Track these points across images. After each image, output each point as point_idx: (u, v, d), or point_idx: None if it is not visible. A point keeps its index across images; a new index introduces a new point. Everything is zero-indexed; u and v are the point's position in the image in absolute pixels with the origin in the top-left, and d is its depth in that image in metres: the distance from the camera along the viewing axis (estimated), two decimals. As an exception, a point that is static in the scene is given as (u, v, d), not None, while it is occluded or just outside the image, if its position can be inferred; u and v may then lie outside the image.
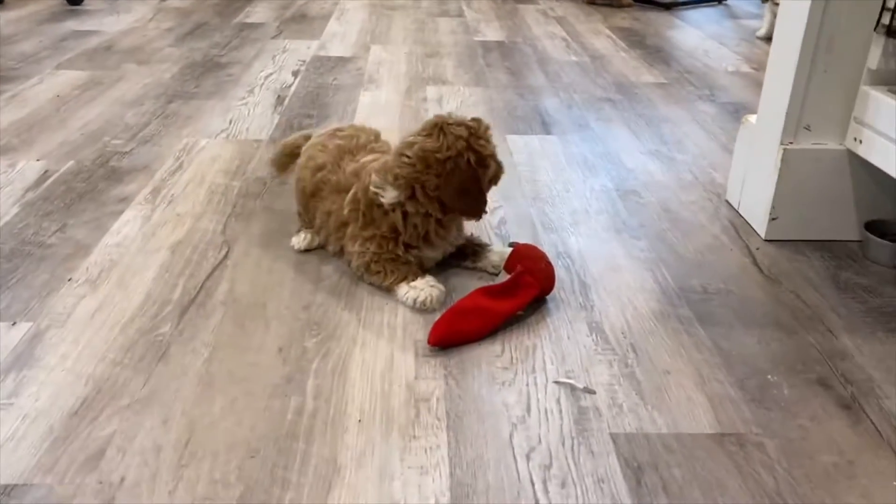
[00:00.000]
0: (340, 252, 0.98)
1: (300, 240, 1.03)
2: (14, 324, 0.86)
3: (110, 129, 1.46)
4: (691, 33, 2.44)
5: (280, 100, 1.66)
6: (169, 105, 1.61)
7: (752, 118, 1.14)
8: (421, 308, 0.89)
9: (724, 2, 3.02)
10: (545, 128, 1.54)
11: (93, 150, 1.36)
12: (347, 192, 0.95)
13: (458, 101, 1.70)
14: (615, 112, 1.64)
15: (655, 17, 2.65)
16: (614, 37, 2.36)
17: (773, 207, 1.06)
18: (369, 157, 0.99)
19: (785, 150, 1.03)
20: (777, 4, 2.31)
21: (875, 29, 0.96)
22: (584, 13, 2.70)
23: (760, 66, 2.04)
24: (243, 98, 1.67)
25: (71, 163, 1.30)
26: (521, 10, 2.73)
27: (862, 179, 1.04)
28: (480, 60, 2.03)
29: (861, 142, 0.99)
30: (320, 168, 1.00)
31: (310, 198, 1.01)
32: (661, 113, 1.64)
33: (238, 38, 2.20)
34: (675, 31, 2.45)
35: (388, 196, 0.91)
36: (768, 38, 2.32)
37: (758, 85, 1.83)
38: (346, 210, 0.95)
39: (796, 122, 1.03)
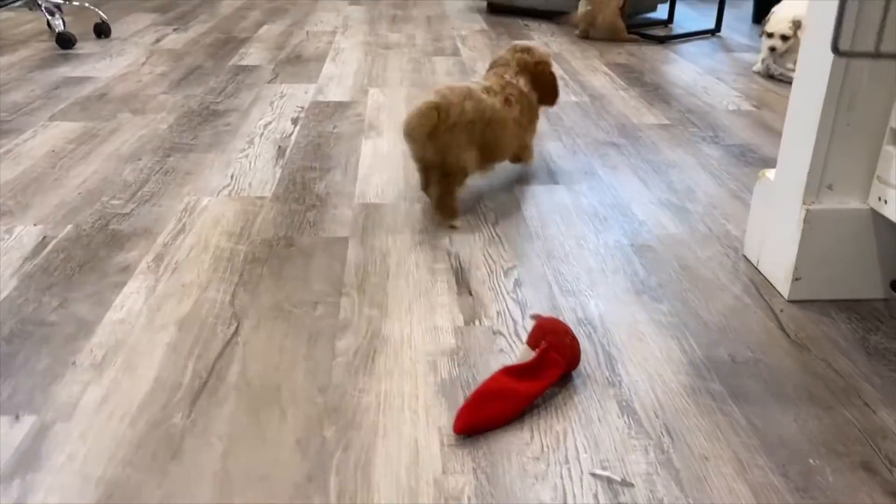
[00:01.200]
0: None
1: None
2: (18, 418, 0.82)
3: (108, 188, 1.42)
4: (688, 68, 2.43)
5: (281, 151, 1.63)
6: (167, 159, 1.57)
7: (770, 174, 1.12)
8: None
9: (717, 33, 3.03)
10: (552, 177, 1.51)
11: (91, 211, 1.32)
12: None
13: (461, 148, 1.68)
14: (621, 158, 1.62)
15: (651, 53, 2.65)
16: (612, 73, 2.35)
17: (796, 269, 1.03)
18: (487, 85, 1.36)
19: (808, 210, 1.01)
20: (770, 37, 2.32)
21: (897, 89, 0.94)
22: (579, 49, 2.70)
23: (760, 104, 2.04)
24: (243, 150, 1.64)
25: (69, 227, 1.26)
26: (516, 47, 2.72)
27: (886, 238, 1.02)
28: (480, 103, 2.02)
29: (886, 202, 0.97)
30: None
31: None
32: (667, 158, 1.62)
33: (234, 82, 2.17)
34: (671, 67, 2.45)
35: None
36: (767, 76, 2.33)
37: (760, 124, 1.83)
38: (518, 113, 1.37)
39: (819, 182, 1.00)
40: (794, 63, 2.21)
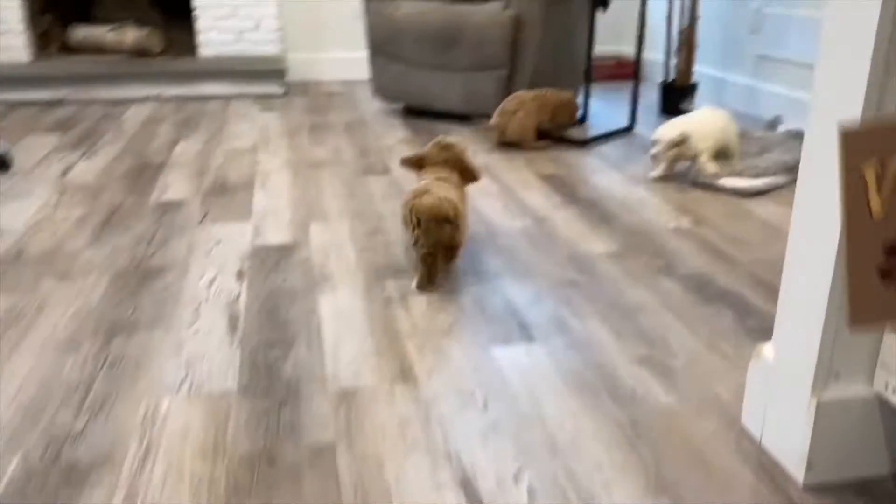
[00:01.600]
0: None
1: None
2: None
3: (51, 396, 1.28)
4: (616, 178, 2.49)
5: (233, 321, 1.53)
6: (110, 344, 1.44)
7: (767, 352, 1.12)
8: None
9: (632, 129, 3.14)
10: (525, 332, 1.48)
11: (38, 433, 1.18)
12: None
13: (424, 298, 1.62)
14: (585, 302, 1.61)
15: (576, 160, 2.70)
16: (546, 188, 2.37)
17: (809, 458, 1.03)
18: None
19: (818, 403, 1.00)
20: (656, 144, 2.42)
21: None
22: (505, 158, 2.72)
23: (697, 220, 2.09)
24: (191, 324, 1.52)
25: (17, 460, 1.11)
26: (445, 158, 2.72)
27: (892, 419, 1.03)
28: (428, 236, 1.98)
29: (894, 391, 0.98)
30: None
31: None
32: (630, 299, 1.62)
33: (161, 226, 2.05)
34: (600, 177, 2.50)
35: None
36: (693, 183, 2.40)
37: (705, 247, 1.87)
38: None
39: (827, 372, 1.01)
40: (717, 168, 2.32)
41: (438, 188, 1.68)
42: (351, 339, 1.46)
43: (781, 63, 3.22)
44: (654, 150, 2.46)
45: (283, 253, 1.87)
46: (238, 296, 1.64)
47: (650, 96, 3.70)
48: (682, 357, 1.39)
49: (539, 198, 2.28)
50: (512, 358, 1.39)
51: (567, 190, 2.36)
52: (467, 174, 1.88)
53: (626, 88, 3.99)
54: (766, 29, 3.30)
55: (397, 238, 1.96)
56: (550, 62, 3.11)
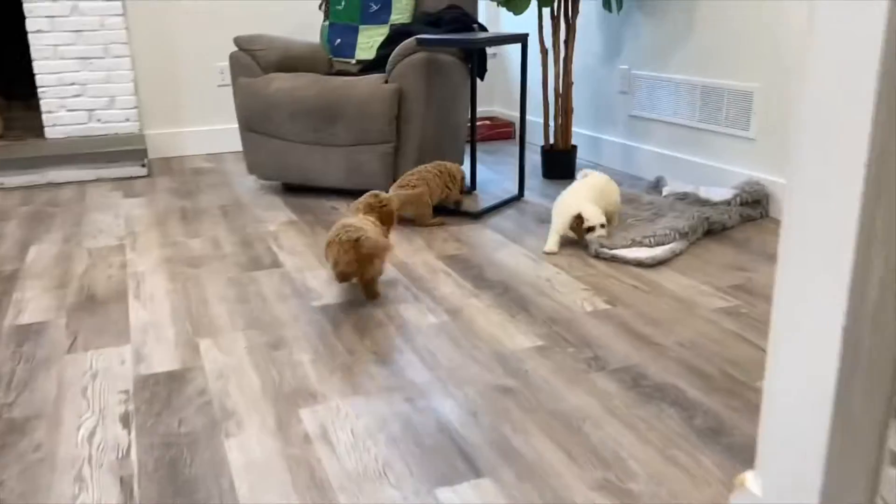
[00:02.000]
0: None
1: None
2: None
3: None
4: (518, 255, 2.42)
5: (126, 487, 1.28)
6: (-31, 542, 1.16)
7: (752, 485, 1.03)
8: None
9: (522, 197, 3.11)
10: (469, 464, 1.33)
11: None
12: None
13: (347, 429, 1.44)
14: (525, 414, 1.49)
15: (474, 234, 2.62)
16: (451, 272, 2.26)
17: None
18: None
19: (824, 547, 0.92)
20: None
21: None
22: (404, 238, 2.59)
23: (610, 298, 2.05)
24: (74, 498, 1.26)
25: None
26: (337, 243, 2.55)
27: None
28: (338, 345, 1.80)
29: (896, 527, 0.91)
30: None
31: None
32: (570, 404, 1.52)
33: (21, 359, 1.75)
34: (503, 255, 2.42)
35: None
36: (594, 256, 2.37)
37: (626, 331, 1.78)
38: None
39: (826, 513, 0.93)
40: (614, 238, 2.31)
41: (353, 223, 2.04)
42: (270, 495, 1.26)
43: (652, 122, 3.32)
44: (557, 226, 2.43)
45: (173, 384, 1.63)
46: (128, 449, 1.39)
47: (531, 158, 3.71)
48: (642, 477, 1.29)
49: (449, 285, 2.16)
50: (460, 499, 1.24)
51: (474, 272, 2.25)
52: (385, 217, 2.23)
53: (503, 150, 4.00)
54: (637, 90, 3.40)
55: (304, 350, 1.77)
56: (434, 133, 3.03)
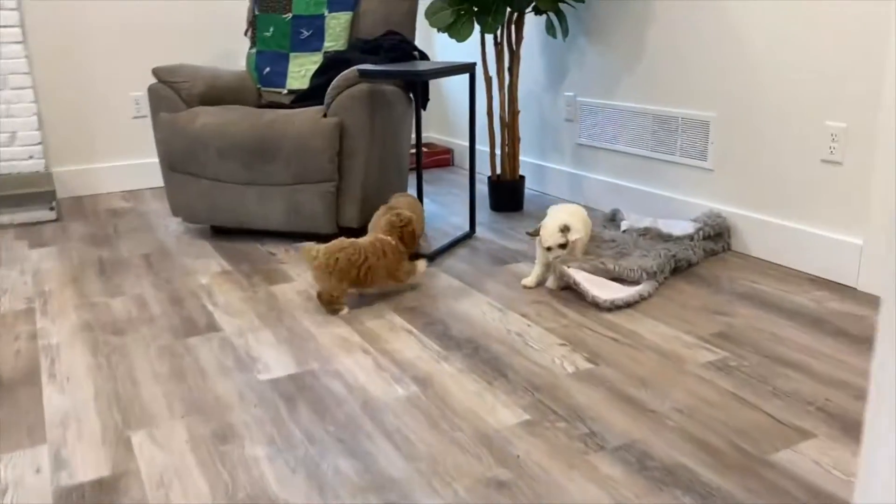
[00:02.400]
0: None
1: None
2: None
3: None
4: (482, 304, 2.23)
5: None
6: None
7: None
8: None
9: (473, 234, 2.93)
10: (473, 589, 1.13)
11: None
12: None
13: (321, 549, 1.22)
14: (526, 514, 1.30)
15: (430, 281, 2.42)
16: (414, 330, 2.05)
17: None
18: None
19: None
20: (550, 250, 2.24)
21: None
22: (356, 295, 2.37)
23: (592, 355, 1.88)
24: None
25: None
26: (281, 297, 2.30)
27: None
28: (296, 431, 1.56)
29: None
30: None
31: None
32: (569, 497, 1.34)
33: None
34: (466, 305, 2.23)
35: None
36: (562, 288, 2.21)
37: (618, 396, 1.57)
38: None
39: None
40: (576, 264, 2.17)
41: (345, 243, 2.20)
42: None
43: (599, 151, 3.21)
44: (540, 256, 2.29)
45: (103, 496, 1.37)
46: None
47: (476, 188, 3.54)
48: None
49: (413, 347, 1.95)
50: None
51: (439, 329, 2.05)
52: (408, 240, 2.31)
53: (443, 179, 3.82)
54: (583, 118, 3.28)
55: (257, 441, 1.53)
56: (378, 169, 2.83)
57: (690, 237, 2.59)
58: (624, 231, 2.73)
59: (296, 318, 2.15)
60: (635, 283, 2.28)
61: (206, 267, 2.61)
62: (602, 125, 3.19)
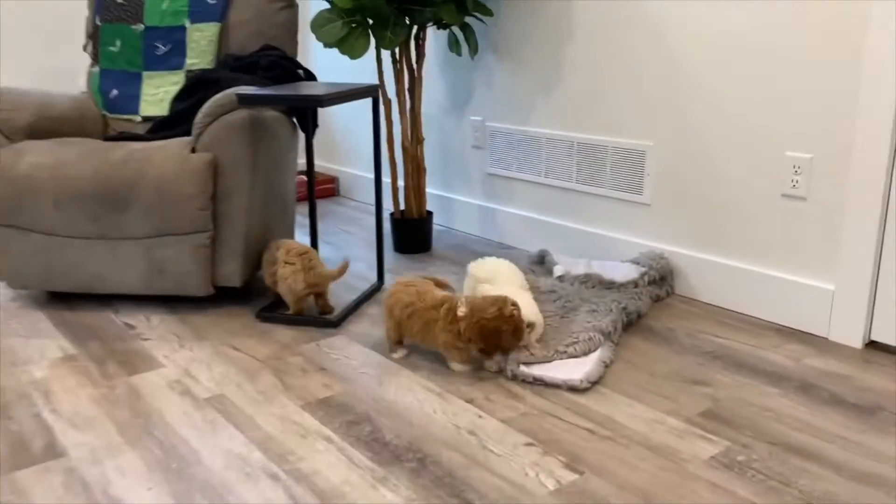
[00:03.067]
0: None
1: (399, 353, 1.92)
2: None
3: None
4: (413, 385, 1.79)
5: None
6: None
7: None
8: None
9: (382, 286, 2.48)
10: None
11: None
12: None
13: None
14: None
15: (342, 358, 1.94)
16: (333, 435, 1.58)
17: None
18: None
19: None
20: None
21: None
22: (246, 377, 1.85)
23: (570, 458, 1.49)
24: None
25: None
26: (147, 392, 1.74)
27: None
28: None
29: None
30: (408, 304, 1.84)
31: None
32: None
33: None
34: (392, 387, 1.78)
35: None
36: (512, 377, 1.79)
37: None
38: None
39: None
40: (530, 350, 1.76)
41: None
42: None
43: (514, 182, 2.85)
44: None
45: None
46: None
47: (368, 223, 3.08)
48: None
49: (336, 465, 1.47)
50: None
51: (366, 432, 1.59)
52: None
53: (330, 212, 3.33)
54: (493, 145, 2.92)
55: None
56: (262, 212, 2.32)
57: (635, 283, 2.27)
58: (558, 278, 2.37)
59: (170, 427, 1.61)
60: (592, 350, 1.92)
61: (42, 350, 2.00)
62: (515, 153, 2.83)
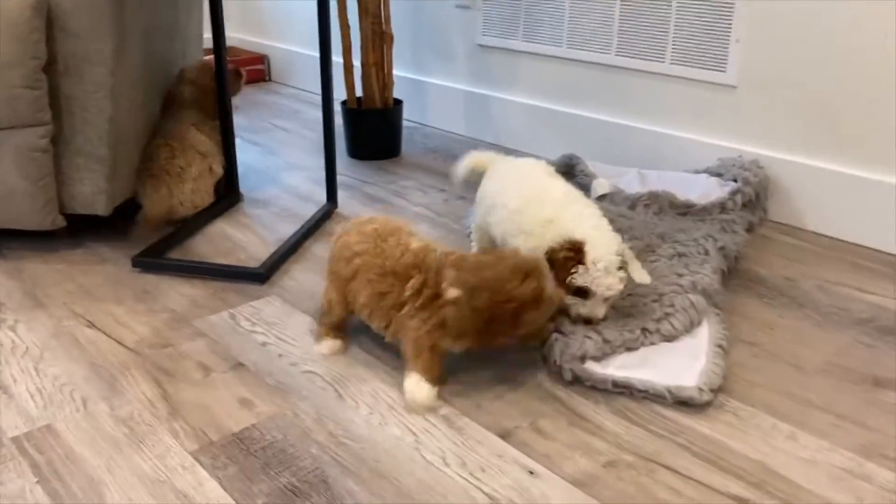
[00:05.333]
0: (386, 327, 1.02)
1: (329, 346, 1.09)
2: None
3: None
4: (406, 412, 1.01)
5: None
6: None
7: None
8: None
9: (335, 209, 1.66)
10: None
11: None
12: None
13: None
14: None
15: (282, 365, 1.14)
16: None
17: None
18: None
19: None
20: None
21: None
22: (99, 376, 1.04)
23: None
24: None
25: None
26: None
27: None
28: None
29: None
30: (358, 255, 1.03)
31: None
32: None
33: None
34: (367, 401, 1.00)
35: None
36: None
37: None
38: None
39: None
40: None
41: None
42: None
43: (518, 56, 2.01)
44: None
45: None
46: None
47: (315, 118, 2.21)
48: None
49: None
50: None
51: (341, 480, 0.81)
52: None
53: (257, 102, 2.45)
54: (487, 4, 2.05)
55: None
56: (136, 94, 1.45)
57: (722, 206, 1.50)
58: (601, 197, 1.58)
59: None
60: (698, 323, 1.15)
61: None
62: (520, 13, 1.97)
